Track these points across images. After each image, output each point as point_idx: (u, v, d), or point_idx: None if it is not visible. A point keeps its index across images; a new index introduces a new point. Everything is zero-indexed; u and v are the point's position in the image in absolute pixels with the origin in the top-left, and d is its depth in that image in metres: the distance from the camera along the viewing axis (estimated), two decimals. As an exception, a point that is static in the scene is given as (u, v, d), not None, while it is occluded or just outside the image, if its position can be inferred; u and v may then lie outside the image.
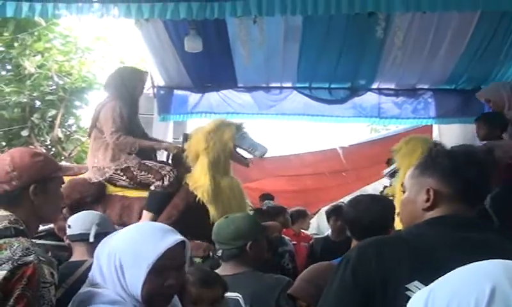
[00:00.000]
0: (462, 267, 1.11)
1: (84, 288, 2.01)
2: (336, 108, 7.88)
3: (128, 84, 5.07)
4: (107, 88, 5.19)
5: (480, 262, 1.10)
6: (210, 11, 4.14)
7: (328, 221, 6.33)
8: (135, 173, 4.82)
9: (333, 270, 1.84)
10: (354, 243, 2.92)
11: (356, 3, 4.04)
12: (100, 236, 3.10)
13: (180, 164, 4.92)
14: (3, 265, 1.85)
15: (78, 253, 3.30)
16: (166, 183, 4.72)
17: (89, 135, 5.21)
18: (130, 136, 4.89)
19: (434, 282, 1.12)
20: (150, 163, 4.87)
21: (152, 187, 4.74)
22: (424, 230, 1.77)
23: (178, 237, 1.98)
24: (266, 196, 8.50)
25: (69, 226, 3.40)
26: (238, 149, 4.93)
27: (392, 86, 7.74)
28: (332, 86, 7.73)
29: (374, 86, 7.72)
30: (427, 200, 1.83)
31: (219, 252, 3.13)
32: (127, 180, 4.85)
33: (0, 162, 2.18)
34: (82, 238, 3.30)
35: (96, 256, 2.05)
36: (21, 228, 2.07)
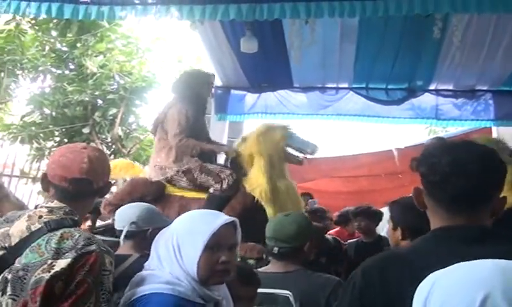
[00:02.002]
0: (463, 263, 1.09)
1: (141, 272, 2.14)
2: (393, 109, 7.82)
3: (195, 86, 5.19)
4: (174, 90, 5.31)
5: (479, 263, 1.08)
6: (260, 12, 4.19)
7: (353, 223, 6.20)
8: (195, 175, 4.91)
9: None
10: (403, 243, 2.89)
11: (404, 6, 4.02)
12: (138, 234, 3.16)
13: (240, 168, 5.01)
14: (66, 254, 1.97)
15: (123, 247, 3.26)
16: (224, 186, 4.80)
17: (154, 134, 5.35)
18: (193, 139, 4.99)
19: (436, 278, 1.11)
20: (210, 166, 4.96)
21: (211, 190, 4.83)
22: (430, 246, 1.68)
23: (230, 217, 2.14)
24: (306, 195, 8.45)
25: (113, 219, 3.44)
26: (289, 150, 4.99)
27: (450, 87, 7.62)
28: (389, 86, 7.68)
29: (432, 86, 7.62)
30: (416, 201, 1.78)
31: (276, 250, 3.11)
32: (187, 181, 4.95)
33: (78, 157, 2.25)
34: (118, 234, 3.29)
35: (153, 245, 2.17)
36: (75, 218, 2.17)
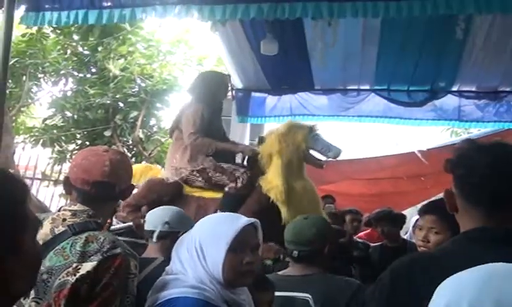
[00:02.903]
0: (466, 271, 1.07)
1: (163, 277, 2.15)
2: (415, 111, 7.78)
3: (211, 87, 5.21)
4: (191, 91, 5.35)
5: (473, 270, 1.06)
6: (281, 11, 4.18)
7: (375, 228, 6.14)
8: (210, 174, 4.93)
9: None
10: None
11: (428, 6, 3.99)
12: (170, 235, 3.18)
13: (255, 167, 4.99)
14: (92, 257, 1.99)
15: (150, 249, 3.33)
16: (239, 184, 4.81)
17: (171, 135, 5.38)
18: (208, 138, 5.01)
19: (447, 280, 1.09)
20: (225, 165, 4.96)
21: (226, 189, 4.84)
22: (460, 247, 1.68)
23: (251, 219, 2.15)
24: (327, 198, 8.40)
25: (144, 221, 3.46)
26: (311, 151, 4.95)
27: (473, 88, 7.54)
28: (411, 88, 7.64)
29: (454, 88, 7.55)
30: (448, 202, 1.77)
31: (295, 253, 3.10)
32: (202, 181, 4.96)
33: (99, 161, 2.27)
34: (149, 235, 3.35)
35: (175, 250, 2.18)
36: (98, 221, 2.20)
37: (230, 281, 2.05)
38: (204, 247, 2.07)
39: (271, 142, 4.88)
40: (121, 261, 2.02)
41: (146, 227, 3.39)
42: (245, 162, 5.19)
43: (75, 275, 1.95)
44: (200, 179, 4.97)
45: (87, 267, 1.97)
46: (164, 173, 5.18)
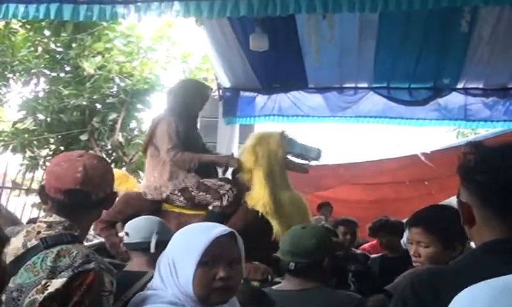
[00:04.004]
0: (479, 284, 1.09)
1: (142, 292, 2.13)
2: (418, 110, 7.79)
3: (188, 99, 5.19)
4: (166, 101, 5.37)
5: (486, 282, 1.08)
6: (273, 7, 4.17)
7: (374, 237, 6.18)
8: (193, 193, 4.89)
9: None
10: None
11: (430, 1, 3.99)
12: (160, 245, 3.16)
13: (241, 180, 5.01)
14: (62, 273, 1.97)
15: (137, 263, 3.34)
16: (224, 203, 4.79)
17: (145, 152, 5.32)
18: (188, 152, 4.98)
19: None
20: (209, 182, 4.93)
21: (210, 207, 4.82)
22: (481, 260, 1.67)
23: (226, 228, 2.10)
24: (325, 205, 8.39)
25: (127, 234, 3.43)
26: (291, 157, 5.00)
27: (480, 85, 7.55)
28: (412, 85, 7.64)
29: (460, 85, 7.56)
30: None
31: (292, 265, 3.09)
32: (185, 201, 4.92)
33: (72, 167, 2.24)
34: (141, 247, 3.35)
35: (157, 263, 2.15)
36: (75, 234, 2.17)
37: (202, 298, 1.99)
38: (176, 262, 2.02)
39: (245, 158, 4.95)
40: (94, 278, 2.00)
41: (133, 239, 3.38)
42: (228, 174, 5.18)
43: (43, 293, 1.93)
44: (181, 199, 4.93)
45: (56, 284, 1.95)
46: (142, 189, 5.14)
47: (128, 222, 3.57)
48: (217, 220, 4.64)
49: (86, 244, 4.38)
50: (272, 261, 3.57)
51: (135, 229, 3.43)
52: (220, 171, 5.37)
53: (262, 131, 5.34)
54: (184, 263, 1.99)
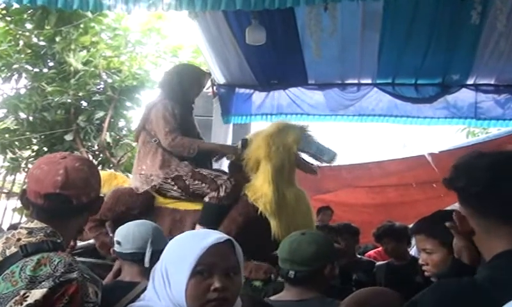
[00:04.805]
0: None
1: (134, 303, 2.11)
2: (425, 108, 7.79)
3: (185, 84, 5.17)
4: (161, 85, 5.32)
5: None
6: (270, 1, 4.17)
7: (379, 243, 6.16)
8: (187, 182, 4.85)
9: None
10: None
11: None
12: (154, 255, 3.11)
13: (238, 172, 4.95)
14: (43, 283, 1.95)
15: (129, 273, 3.28)
16: (221, 194, 4.73)
17: (137, 139, 5.29)
18: (187, 137, 4.96)
19: None
20: (204, 171, 4.89)
21: (206, 199, 4.76)
22: (498, 272, 1.69)
23: (222, 236, 2.05)
24: (325, 209, 8.37)
25: (118, 243, 3.35)
26: (303, 155, 4.94)
27: (492, 81, 7.55)
28: (419, 81, 7.65)
29: (470, 81, 7.56)
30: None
31: (292, 274, 3.09)
32: (179, 190, 4.88)
33: (52, 170, 2.22)
34: (133, 258, 3.27)
35: (151, 272, 2.13)
36: (58, 241, 2.15)
37: None
38: (168, 271, 2.00)
39: (258, 145, 4.82)
40: (77, 288, 1.98)
41: (125, 249, 3.32)
42: (224, 166, 5.14)
43: (21, 304, 1.90)
44: (175, 188, 4.89)
45: (36, 294, 1.92)
46: (132, 183, 5.10)
47: (119, 229, 3.46)
48: (215, 213, 4.68)
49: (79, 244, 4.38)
50: (274, 260, 3.53)
51: (127, 238, 3.34)
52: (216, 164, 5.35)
53: (283, 121, 5.30)
54: (176, 272, 1.97)
